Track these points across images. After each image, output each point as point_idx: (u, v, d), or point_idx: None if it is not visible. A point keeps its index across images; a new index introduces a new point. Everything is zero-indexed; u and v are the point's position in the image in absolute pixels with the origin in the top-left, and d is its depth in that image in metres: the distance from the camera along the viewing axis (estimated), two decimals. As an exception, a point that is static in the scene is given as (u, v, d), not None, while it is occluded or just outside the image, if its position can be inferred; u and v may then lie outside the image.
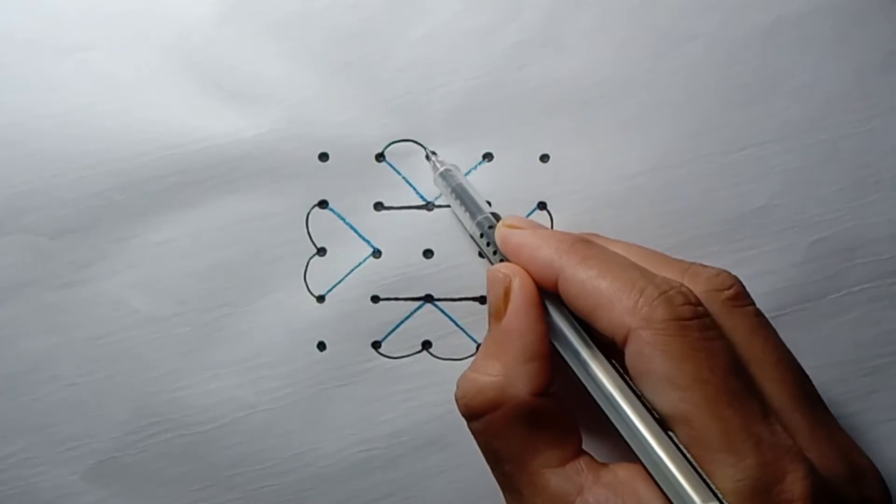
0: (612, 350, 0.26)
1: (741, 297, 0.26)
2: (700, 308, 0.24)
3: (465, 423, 0.33)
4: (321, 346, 0.34)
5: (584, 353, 0.26)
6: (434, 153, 0.33)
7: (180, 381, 0.33)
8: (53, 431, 0.33)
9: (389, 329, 0.34)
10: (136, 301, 0.33)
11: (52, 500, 0.34)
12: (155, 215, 0.33)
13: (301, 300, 0.34)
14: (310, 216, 0.34)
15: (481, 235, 0.31)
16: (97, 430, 0.33)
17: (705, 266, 0.27)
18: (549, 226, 0.34)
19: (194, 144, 0.33)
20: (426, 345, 0.34)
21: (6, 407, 0.33)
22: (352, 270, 0.34)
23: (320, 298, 0.34)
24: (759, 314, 0.26)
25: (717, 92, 0.33)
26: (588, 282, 0.25)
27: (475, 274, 0.34)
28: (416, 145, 0.34)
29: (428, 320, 0.34)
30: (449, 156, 0.34)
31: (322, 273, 0.34)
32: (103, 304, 0.33)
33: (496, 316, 0.27)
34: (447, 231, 0.34)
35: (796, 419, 0.24)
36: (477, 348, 0.34)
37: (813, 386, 0.26)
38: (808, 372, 0.26)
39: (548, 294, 0.27)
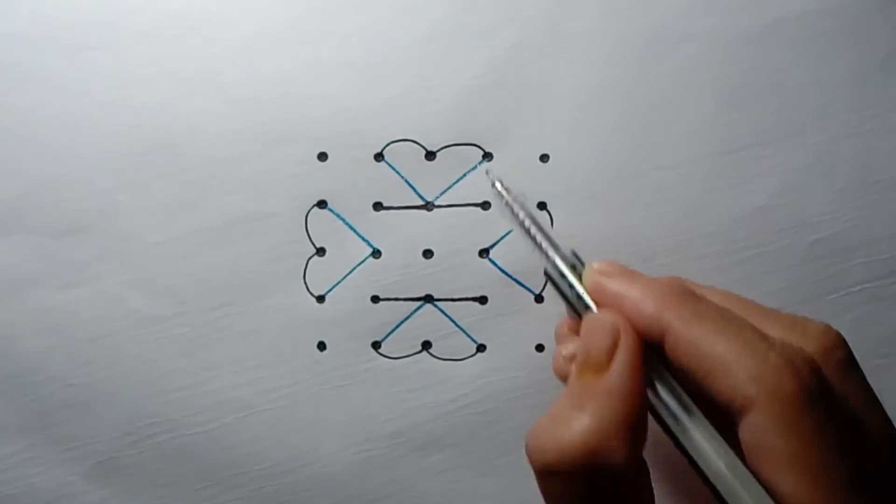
0: (709, 413, 0.24)
1: (851, 358, 0.24)
2: (825, 379, 0.22)
3: (464, 423, 0.33)
4: (321, 346, 0.34)
5: (686, 420, 0.24)
6: (493, 175, 0.30)
7: (180, 381, 0.33)
8: (53, 432, 0.33)
9: (389, 329, 0.34)
10: (136, 301, 0.33)
11: (51, 500, 0.34)
12: (155, 215, 0.33)
13: (301, 300, 0.34)
14: (309, 216, 0.34)
15: (561, 276, 0.27)
16: (97, 430, 0.33)
17: (809, 320, 0.25)
18: (550, 226, 0.34)
19: (194, 144, 0.33)
20: (426, 345, 0.34)
21: (6, 407, 0.33)
22: (351, 271, 0.34)
23: (320, 299, 0.34)
24: (864, 379, 0.24)
25: (716, 92, 0.33)
26: (702, 342, 0.23)
27: (475, 274, 0.34)
28: (415, 145, 0.34)
29: (428, 320, 0.34)
30: (448, 156, 0.34)
31: (322, 273, 0.34)
32: (103, 305, 0.33)
33: (596, 369, 0.24)
34: (447, 231, 0.34)
35: None
36: (477, 349, 0.34)
37: None
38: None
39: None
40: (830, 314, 0.33)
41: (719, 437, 0.23)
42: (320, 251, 0.34)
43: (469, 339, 0.34)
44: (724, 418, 0.23)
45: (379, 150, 0.34)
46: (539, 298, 0.34)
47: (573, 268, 0.27)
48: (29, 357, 0.33)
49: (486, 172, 0.31)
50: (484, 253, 0.34)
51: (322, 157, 0.34)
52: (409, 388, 0.34)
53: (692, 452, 0.23)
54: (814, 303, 0.33)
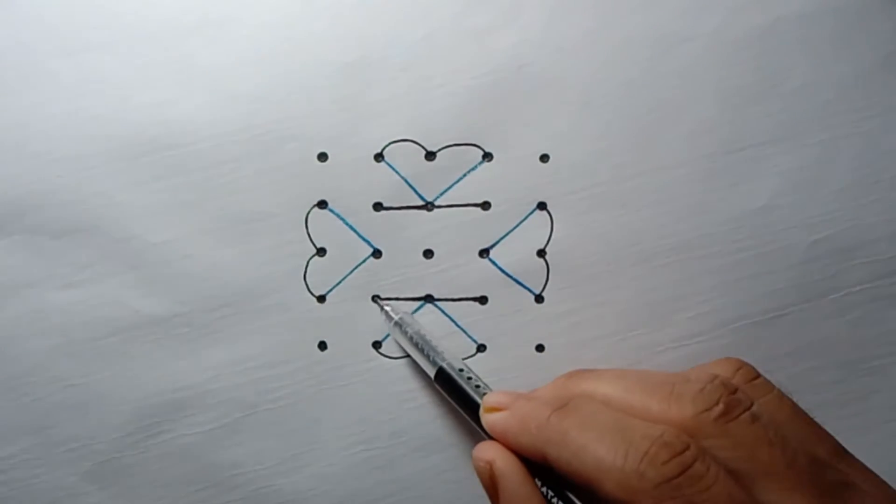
0: None
1: (732, 408, 0.25)
2: (687, 454, 0.23)
3: (464, 423, 0.33)
4: (322, 346, 0.34)
5: None
6: (380, 299, 0.33)
7: (181, 381, 0.33)
8: (53, 432, 0.33)
9: (390, 329, 0.34)
10: (136, 301, 0.33)
11: (52, 500, 0.34)
12: (155, 216, 0.33)
13: (301, 300, 0.34)
14: (309, 216, 0.34)
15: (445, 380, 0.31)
16: (97, 430, 0.33)
17: (687, 380, 0.26)
18: (549, 226, 0.34)
19: (194, 145, 0.33)
20: (426, 345, 0.34)
21: (6, 408, 0.33)
22: (352, 271, 0.34)
23: (321, 298, 0.34)
24: (755, 418, 0.25)
25: (716, 92, 0.33)
26: (573, 461, 0.24)
27: (475, 274, 0.34)
28: (415, 145, 0.34)
29: (428, 320, 0.34)
30: (448, 156, 0.34)
31: (322, 273, 0.34)
32: (104, 305, 0.33)
33: (492, 499, 0.27)
34: (447, 231, 0.34)
35: None
36: (477, 349, 0.34)
37: (836, 471, 0.25)
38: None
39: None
40: (830, 314, 0.33)
41: None
42: (321, 251, 0.34)
43: (469, 339, 0.34)
44: None
45: (379, 151, 0.34)
46: (539, 298, 0.34)
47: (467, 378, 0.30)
48: (29, 357, 0.33)
49: (382, 308, 0.34)
50: (484, 253, 0.34)
51: (322, 157, 0.34)
52: (409, 388, 0.34)
53: None
54: (814, 303, 0.33)
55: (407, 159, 0.34)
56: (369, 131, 0.33)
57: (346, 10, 0.34)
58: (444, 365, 0.31)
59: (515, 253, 0.34)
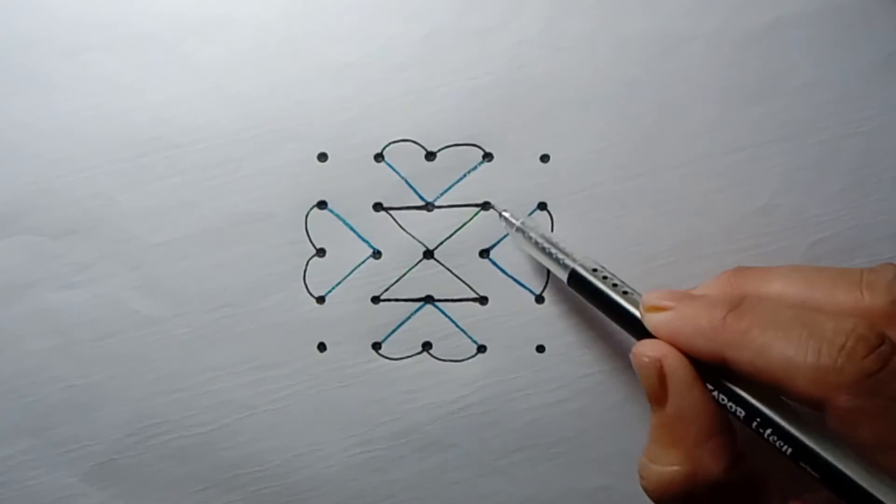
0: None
1: None
2: (884, 347, 0.22)
3: (465, 424, 0.33)
4: (321, 347, 0.34)
5: (776, 416, 0.24)
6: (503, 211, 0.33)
7: (180, 382, 0.33)
8: (53, 433, 0.33)
9: (390, 330, 0.34)
10: (136, 302, 0.33)
11: (52, 501, 0.34)
12: (155, 216, 0.33)
13: (301, 301, 0.34)
14: (309, 217, 0.34)
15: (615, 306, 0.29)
16: (97, 431, 0.33)
17: (876, 271, 0.25)
18: (550, 226, 0.34)
19: (194, 145, 0.33)
20: (426, 346, 0.34)
21: (6, 408, 0.33)
22: (352, 271, 0.34)
23: (320, 299, 0.34)
24: None
25: (717, 92, 0.33)
26: (757, 361, 0.23)
27: (475, 274, 0.34)
28: (415, 145, 0.34)
29: (428, 321, 0.34)
30: (448, 156, 0.34)
31: (322, 274, 0.34)
32: (104, 306, 0.33)
33: (657, 402, 0.26)
34: (447, 231, 0.34)
35: None
36: (477, 349, 0.34)
37: None
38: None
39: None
40: (831, 314, 0.33)
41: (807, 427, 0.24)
42: (320, 252, 0.34)
43: (469, 340, 0.34)
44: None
45: (379, 151, 0.34)
46: (539, 299, 0.34)
47: (623, 293, 0.29)
48: (29, 358, 0.33)
49: (500, 215, 0.33)
50: (484, 253, 0.34)
51: (322, 157, 0.34)
52: (409, 389, 0.34)
53: (796, 448, 0.24)
54: (814, 303, 0.33)
55: (407, 159, 0.34)
56: (369, 131, 0.33)
57: (345, 10, 0.34)
58: (577, 266, 0.30)
59: (516, 253, 0.34)
